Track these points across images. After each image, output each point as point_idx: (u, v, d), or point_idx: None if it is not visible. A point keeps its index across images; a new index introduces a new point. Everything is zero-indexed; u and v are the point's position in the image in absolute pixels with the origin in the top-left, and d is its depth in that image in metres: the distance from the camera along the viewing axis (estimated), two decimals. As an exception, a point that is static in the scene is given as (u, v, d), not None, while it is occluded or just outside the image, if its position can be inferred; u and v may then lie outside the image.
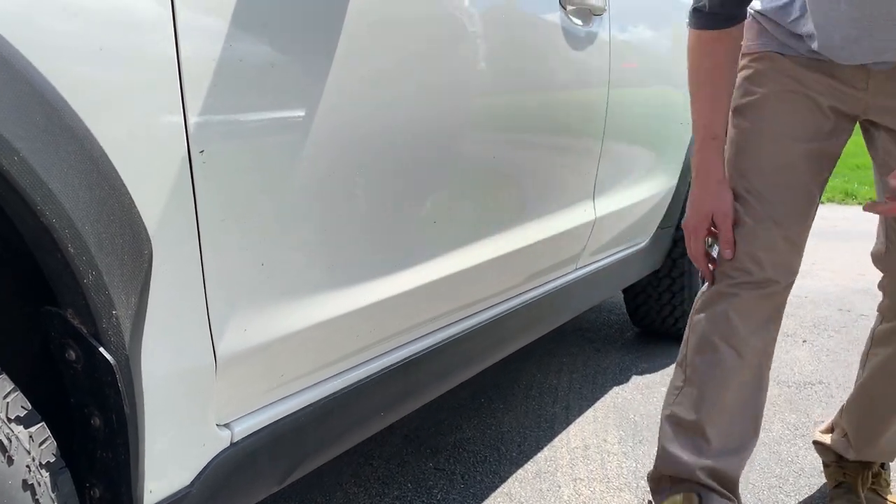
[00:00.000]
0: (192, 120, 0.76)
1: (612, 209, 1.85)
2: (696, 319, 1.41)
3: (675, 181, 2.28)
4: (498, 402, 2.09)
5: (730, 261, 1.37)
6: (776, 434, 1.94)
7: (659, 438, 1.43)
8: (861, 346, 2.21)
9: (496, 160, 1.33)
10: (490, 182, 1.34)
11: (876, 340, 1.54)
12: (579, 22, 1.55)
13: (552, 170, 1.55)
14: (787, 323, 2.87)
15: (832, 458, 1.62)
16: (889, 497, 1.59)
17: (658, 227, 2.26)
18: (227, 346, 0.85)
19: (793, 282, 1.40)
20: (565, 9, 1.49)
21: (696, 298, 1.44)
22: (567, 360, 2.43)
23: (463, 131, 1.23)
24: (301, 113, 0.89)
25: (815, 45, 1.26)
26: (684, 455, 1.38)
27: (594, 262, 1.90)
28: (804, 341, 2.68)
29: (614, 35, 1.70)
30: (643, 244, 2.19)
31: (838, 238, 4.74)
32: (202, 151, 0.77)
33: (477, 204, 1.31)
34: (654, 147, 2.08)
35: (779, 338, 2.61)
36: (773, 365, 2.42)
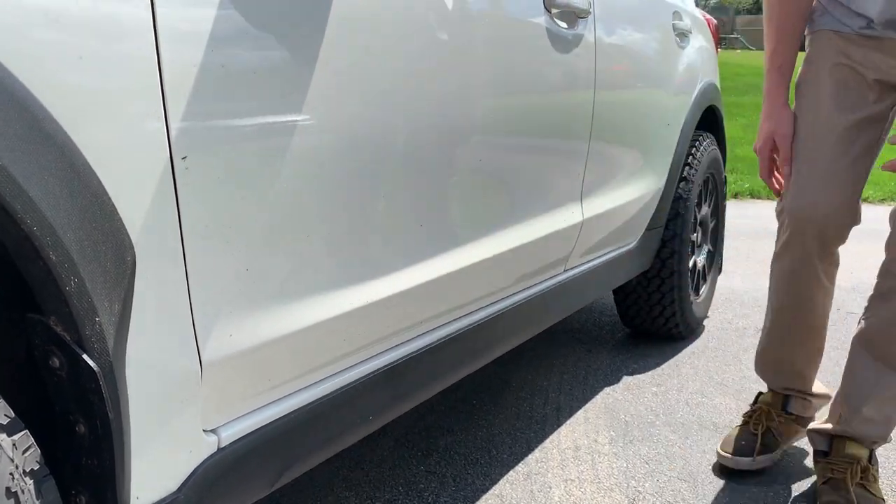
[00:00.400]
0: (174, 126, 0.76)
1: (600, 211, 1.86)
2: None
3: (662, 182, 2.28)
4: (489, 403, 2.09)
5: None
6: (766, 432, 1.95)
7: None
8: (849, 343, 2.25)
9: (483, 163, 1.33)
10: (477, 185, 1.34)
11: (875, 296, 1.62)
12: (564, 24, 1.56)
13: (539, 172, 1.55)
14: (776, 322, 2.88)
15: (823, 447, 1.64)
16: (876, 492, 1.59)
17: (646, 229, 2.27)
18: (213, 352, 0.85)
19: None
20: (550, 11, 1.50)
21: None
22: (558, 360, 2.43)
23: (449, 135, 1.23)
24: (284, 119, 0.89)
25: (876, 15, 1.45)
26: None
27: (583, 264, 1.90)
28: (794, 340, 2.69)
29: (599, 37, 1.71)
30: (632, 245, 2.20)
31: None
32: (185, 158, 0.77)
33: (464, 207, 1.31)
34: (641, 149, 2.08)
35: None
36: None
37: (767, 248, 4.47)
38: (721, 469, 1.75)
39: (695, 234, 2.59)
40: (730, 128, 10.32)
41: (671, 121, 2.28)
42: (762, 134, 1.60)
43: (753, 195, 6.45)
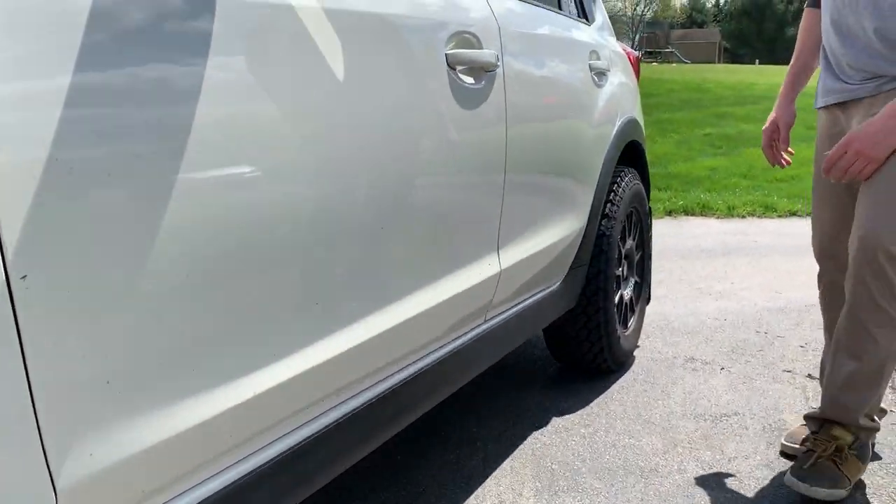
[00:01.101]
0: (8, 242, 0.70)
1: (520, 258, 1.83)
2: None
3: (584, 221, 2.27)
4: (415, 457, 2.03)
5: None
6: (690, 475, 1.93)
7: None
8: (776, 368, 2.49)
9: (386, 231, 1.29)
10: (379, 253, 1.29)
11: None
12: (470, 80, 1.53)
13: (449, 231, 1.51)
14: (705, 350, 2.90)
15: (814, 428, 1.88)
16: (846, 470, 1.76)
17: (570, 268, 2.25)
18: (70, 476, 0.78)
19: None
20: (454, 69, 1.46)
21: None
22: (487, 403, 2.39)
23: (344, 205, 1.18)
24: (139, 224, 0.83)
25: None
26: None
27: (505, 312, 1.87)
28: (722, 369, 2.70)
29: (510, 87, 1.68)
30: (556, 286, 2.18)
31: (758, 254, 4.83)
32: (24, 277, 0.71)
33: (365, 277, 1.26)
34: (560, 192, 2.07)
35: (695, 366, 2.63)
36: (690, 398, 2.44)
37: (700, 269, 4.53)
38: (782, 453, 2.04)
39: (620, 269, 2.59)
40: (663, 144, 10.52)
41: (591, 160, 2.28)
42: (770, 117, 2.07)
43: (688, 212, 6.53)
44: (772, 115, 2.06)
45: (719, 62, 51.24)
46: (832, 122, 1.86)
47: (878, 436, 1.98)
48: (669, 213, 6.47)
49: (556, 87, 2.02)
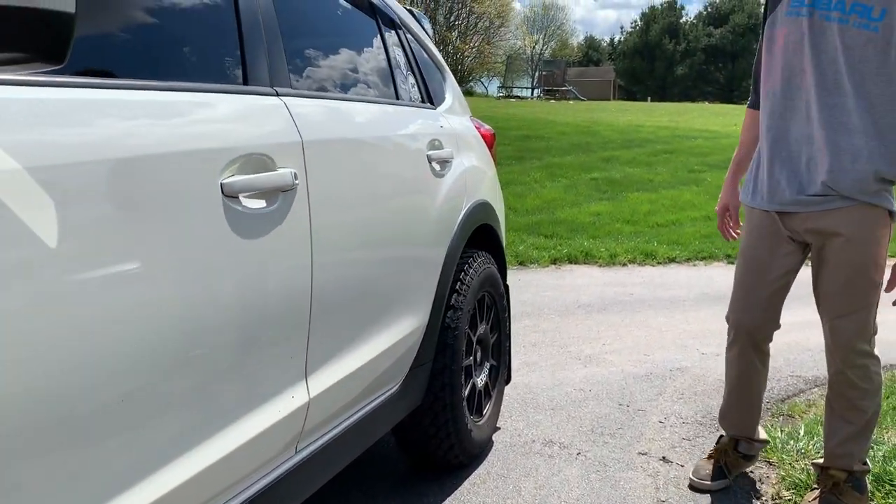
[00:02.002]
0: None
1: (336, 380, 1.68)
2: None
3: (426, 318, 2.15)
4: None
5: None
6: None
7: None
8: (632, 451, 2.61)
9: (158, 385, 1.12)
10: (152, 413, 1.12)
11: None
12: (260, 204, 1.38)
13: (239, 369, 1.35)
14: (566, 429, 2.82)
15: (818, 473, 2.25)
16: (848, 499, 2.16)
17: (411, 368, 2.12)
18: None
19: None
20: (236, 197, 1.32)
21: None
22: (332, 508, 2.23)
23: (113, 359, 1.01)
24: None
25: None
26: None
27: (323, 436, 1.71)
28: (578, 454, 2.62)
29: (315, 202, 1.54)
30: (394, 389, 2.04)
31: (633, 308, 4.86)
32: None
33: (139, 438, 1.09)
34: (390, 297, 1.94)
35: (552, 452, 2.51)
36: (540, 494, 2.29)
37: (574, 329, 4.49)
38: (691, 487, 2.40)
39: (471, 358, 2.48)
40: (552, 189, 10.67)
41: (430, 256, 2.17)
42: (721, 203, 2.42)
43: (572, 260, 6.56)
44: (722, 201, 2.41)
45: (614, 99, 53.20)
46: (771, 221, 2.13)
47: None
48: (554, 261, 6.49)
49: (380, 190, 1.89)
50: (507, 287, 2.83)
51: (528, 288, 5.46)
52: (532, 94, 57.08)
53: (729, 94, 61.37)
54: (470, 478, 2.42)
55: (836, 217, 1.99)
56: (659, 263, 6.62)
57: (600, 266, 6.42)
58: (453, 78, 2.85)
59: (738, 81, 61.79)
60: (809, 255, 2.15)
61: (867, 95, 1.92)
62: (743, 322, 2.23)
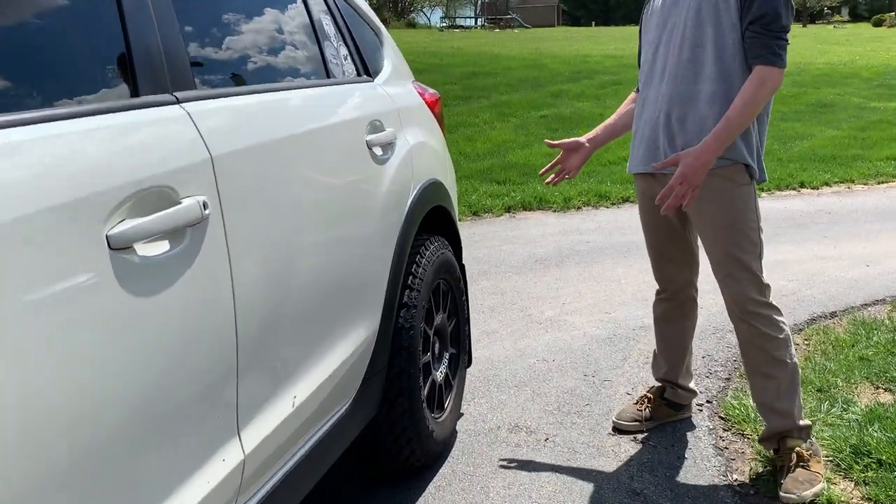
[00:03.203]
0: None
1: (276, 423, 1.45)
2: None
3: (376, 325, 1.93)
4: None
5: None
6: None
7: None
8: (601, 432, 2.54)
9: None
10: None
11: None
12: (161, 249, 1.13)
13: (152, 451, 1.12)
14: (531, 410, 2.66)
15: (774, 446, 2.21)
16: (817, 469, 2.12)
17: (364, 380, 1.91)
18: None
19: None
20: (128, 248, 1.06)
21: None
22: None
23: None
24: None
25: None
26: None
27: (266, 483, 1.50)
28: (546, 439, 2.47)
29: (233, 229, 1.29)
30: (344, 409, 1.82)
31: (590, 259, 4.70)
32: None
33: None
34: (334, 312, 1.70)
35: (519, 439, 2.36)
36: (510, 494, 2.11)
37: (532, 286, 4.31)
38: (614, 429, 2.50)
39: (428, 354, 2.27)
40: (502, 130, 10.40)
41: (376, 255, 1.93)
42: (583, 138, 2.45)
43: (526, 207, 6.35)
44: (577, 139, 2.40)
45: (558, 24, 52.28)
46: (647, 185, 2.24)
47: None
48: (509, 209, 6.28)
49: (312, 195, 1.62)
50: (463, 267, 2.62)
51: (483, 242, 5.26)
52: (476, 23, 55.75)
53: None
54: (434, 480, 2.25)
55: None
56: (613, 205, 6.47)
57: (555, 211, 6.25)
58: (391, 39, 2.56)
59: (680, 2, 60.90)
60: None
61: (714, 43, 2.04)
62: (658, 277, 2.43)
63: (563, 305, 3.86)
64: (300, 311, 1.53)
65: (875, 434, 2.31)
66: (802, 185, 7.14)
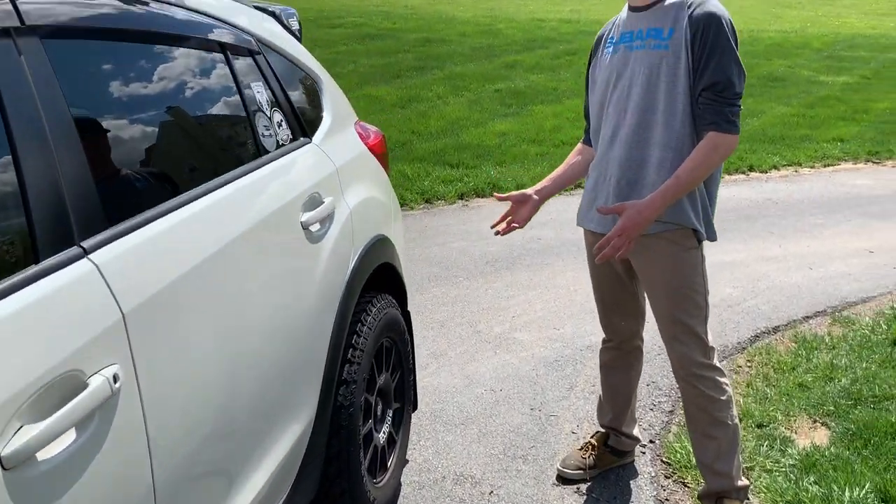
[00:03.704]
0: None
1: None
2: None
3: (313, 412, 1.86)
4: None
5: None
6: None
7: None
8: (546, 480, 2.53)
9: None
10: None
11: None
12: (72, 437, 1.04)
13: None
14: (477, 453, 2.65)
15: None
16: None
17: (298, 470, 1.85)
18: None
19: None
20: (25, 462, 0.97)
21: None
22: None
23: None
24: None
25: None
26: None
27: None
28: (491, 492, 2.47)
29: (149, 387, 1.21)
30: (281, 502, 1.78)
31: (541, 261, 4.67)
32: None
33: None
34: (265, 425, 1.63)
35: (464, 492, 2.44)
36: None
37: (484, 295, 4.40)
38: (558, 477, 2.50)
39: (370, 421, 2.22)
40: (455, 106, 10.22)
41: (312, 342, 1.85)
42: (528, 191, 2.37)
43: (479, 193, 6.29)
44: (526, 192, 2.33)
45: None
46: (597, 241, 2.15)
47: None
48: (462, 196, 6.22)
49: (238, 307, 1.50)
50: (408, 315, 2.56)
51: (436, 237, 5.21)
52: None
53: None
54: (377, 547, 2.23)
55: (638, 241, 2.03)
56: (565, 191, 6.42)
57: (508, 199, 6.19)
58: (331, 81, 2.43)
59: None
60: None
61: (666, 110, 2.02)
62: (605, 326, 2.45)
63: (512, 319, 3.85)
64: (229, 441, 1.46)
65: (810, 489, 2.36)
66: (751, 169, 7.22)
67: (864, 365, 3.27)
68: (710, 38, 1.93)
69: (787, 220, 5.66)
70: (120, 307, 1.17)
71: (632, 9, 2.10)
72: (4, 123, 1.07)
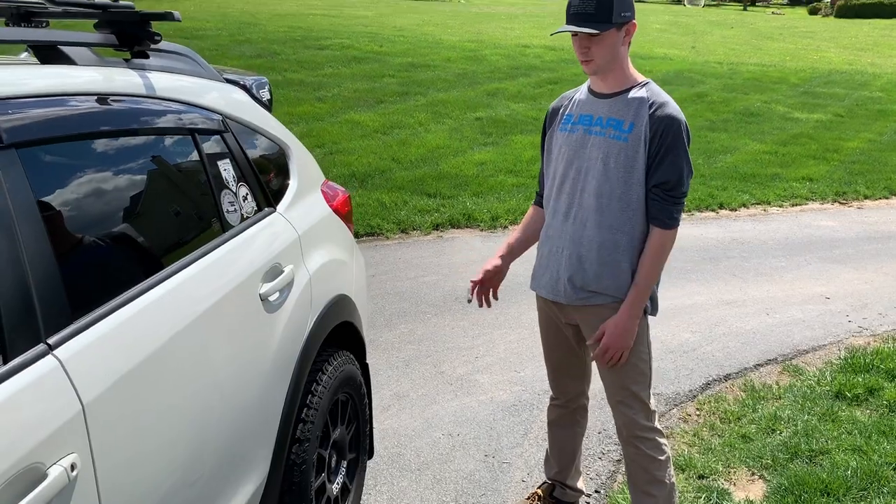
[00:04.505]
0: None
1: None
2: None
3: (266, 470, 1.99)
4: None
5: None
6: None
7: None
8: None
9: None
10: None
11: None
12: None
13: None
14: (429, 502, 2.78)
15: None
16: None
17: (254, 524, 1.98)
18: None
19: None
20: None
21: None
22: None
23: None
24: None
25: None
26: None
27: None
28: (439, 540, 2.60)
29: (105, 481, 1.34)
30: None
31: (506, 297, 4.79)
32: None
33: None
34: (221, 484, 1.76)
35: None
36: None
37: (450, 333, 4.67)
38: None
39: (323, 475, 2.34)
40: (436, 133, 10.33)
41: (266, 408, 1.97)
42: (493, 265, 2.50)
43: (454, 224, 6.42)
44: (494, 264, 2.45)
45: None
46: (548, 307, 2.41)
47: None
48: (437, 226, 6.34)
49: (195, 385, 1.63)
50: (367, 368, 2.69)
51: (408, 271, 5.33)
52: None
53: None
54: None
55: (587, 311, 2.25)
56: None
57: (482, 231, 6.34)
58: (300, 147, 2.57)
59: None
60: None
61: (620, 198, 2.16)
62: (553, 386, 2.60)
63: (475, 360, 3.98)
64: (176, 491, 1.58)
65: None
66: (721, 207, 7.40)
67: (805, 417, 3.43)
68: (669, 140, 2.10)
69: (751, 262, 5.83)
70: (80, 399, 1.30)
71: (593, 93, 2.23)
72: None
